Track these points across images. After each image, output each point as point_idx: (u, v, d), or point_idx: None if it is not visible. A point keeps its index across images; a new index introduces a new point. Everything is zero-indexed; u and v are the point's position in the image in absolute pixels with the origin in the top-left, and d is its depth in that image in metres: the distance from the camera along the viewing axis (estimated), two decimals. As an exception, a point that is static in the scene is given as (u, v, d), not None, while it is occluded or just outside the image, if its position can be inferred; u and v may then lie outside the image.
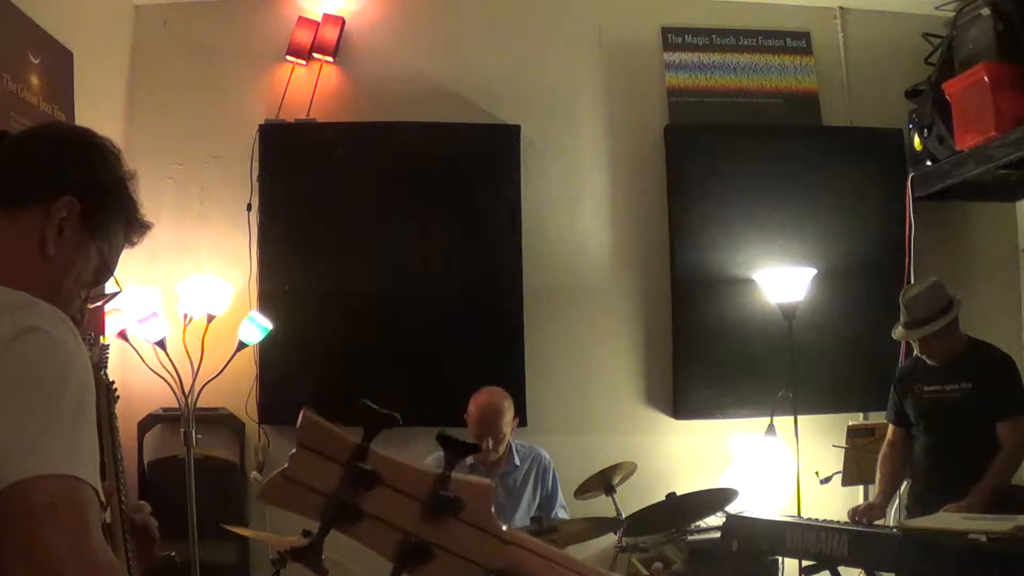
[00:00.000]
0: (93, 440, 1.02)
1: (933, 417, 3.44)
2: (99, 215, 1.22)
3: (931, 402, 3.44)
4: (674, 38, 4.54)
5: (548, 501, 3.56)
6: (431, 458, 3.08)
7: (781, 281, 4.09)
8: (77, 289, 1.22)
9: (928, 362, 3.43)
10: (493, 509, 0.78)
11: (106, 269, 1.26)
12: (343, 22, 4.32)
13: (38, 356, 1.00)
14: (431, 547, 0.74)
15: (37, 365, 0.99)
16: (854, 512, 3.38)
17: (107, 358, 2.39)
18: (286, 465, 0.73)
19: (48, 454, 0.95)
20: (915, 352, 3.51)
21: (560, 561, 0.80)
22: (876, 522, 3.33)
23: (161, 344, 3.81)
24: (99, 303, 1.35)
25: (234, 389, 4.01)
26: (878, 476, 3.61)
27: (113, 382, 1.97)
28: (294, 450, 0.73)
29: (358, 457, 0.73)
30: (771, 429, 4.02)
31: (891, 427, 3.65)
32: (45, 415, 0.97)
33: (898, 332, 3.50)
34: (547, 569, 0.79)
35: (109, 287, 1.32)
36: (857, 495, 4.20)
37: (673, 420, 4.33)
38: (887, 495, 3.55)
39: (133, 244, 1.32)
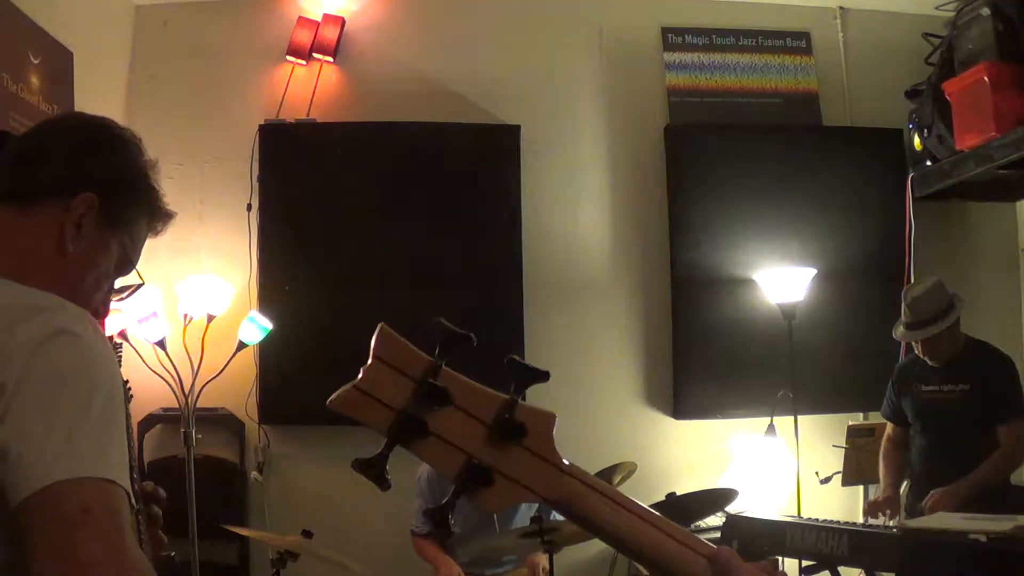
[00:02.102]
0: (123, 442, 1.02)
1: (930, 418, 3.44)
2: (120, 208, 1.20)
3: (929, 403, 3.44)
4: (674, 38, 4.54)
5: (549, 502, 3.56)
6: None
7: (781, 281, 4.09)
8: (98, 284, 1.20)
9: (928, 362, 3.43)
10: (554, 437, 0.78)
11: (127, 262, 1.25)
12: (343, 22, 4.32)
13: (68, 359, 0.99)
14: (492, 471, 0.75)
15: (67, 368, 0.99)
16: (874, 506, 3.37)
17: (120, 357, 2.39)
18: (360, 376, 0.73)
19: (79, 457, 0.94)
20: (916, 352, 3.50)
21: (618, 499, 0.80)
22: (874, 522, 3.32)
23: (161, 344, 3.81)
24: (123, 297, 1.34)
25: (234, 389, 4.01)
26: (882, 471, 3.59)
27: (127, 381, 1.95)
28: (368, 362, 0.74)
29: (431, 374, 0.74)
30: (771, 429, 4.02)
31: (889, 424, 3.65)
32: (75, 418, 0.96)
33: (900, 332, 3.48)
34: (603, 504, 0.79)
35: (131, 280, 1.31)
36: (857, 495, 4.20)
37: (673, 420, 4.33)
38: (897, 487, 3.54)
39: (157, 233, 1.29)
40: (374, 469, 0.73)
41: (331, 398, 0.73)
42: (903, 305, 3.43)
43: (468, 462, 0.74)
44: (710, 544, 0.81)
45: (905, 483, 3.69)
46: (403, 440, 0.73)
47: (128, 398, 1.99)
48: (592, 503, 0.78)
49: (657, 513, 0.81)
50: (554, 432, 0.78)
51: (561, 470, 0.78)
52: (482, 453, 0.75)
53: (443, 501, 0.75)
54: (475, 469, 0.74)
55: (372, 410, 0.73)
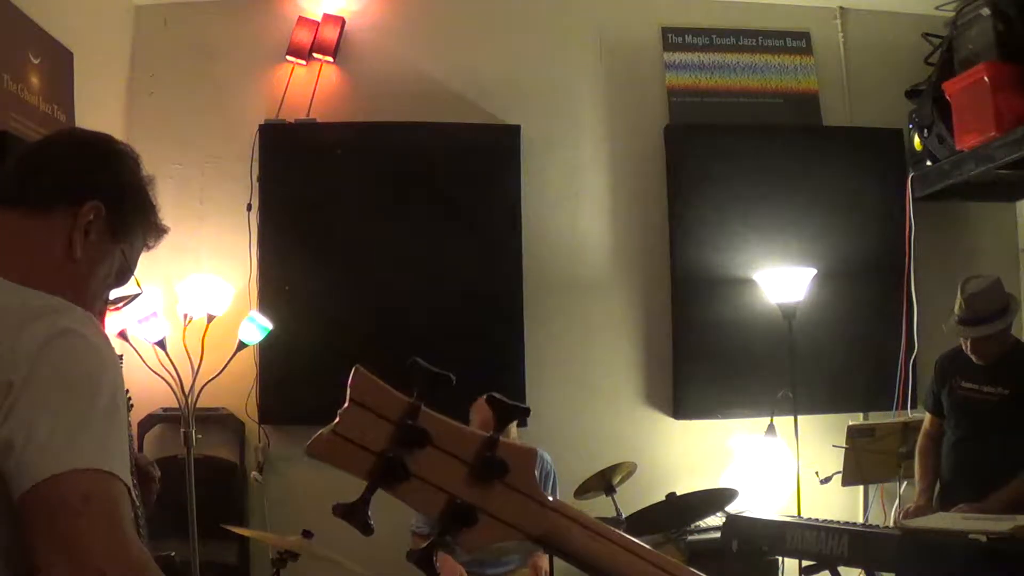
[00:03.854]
0: (124, 438, 1.06)
1: (964, 416, 3.39)
2: (123, 218, 1.25)
3: (965, 400, 3.38)
4: (674, 38, 4.54)
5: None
6: None
7: (781, 281, 4.09)
8: (101, 290, 1.26)
9: (973, 359, 3.34)
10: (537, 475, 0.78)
11: (128, 271, 1.30)
12: (343, 22, 4.32)
13: (73, 358, 1.03)
14: (475, 511, 0.74)
15: (72, 366, 1.03)
16: (906, 515, 3.31)
17: (120, 367, 2.40)
18: (336, 421, 0.72)
19: (82, 450, 0.98)
20: (963, 347, 3.38)
21: (601, 531, 0.79)
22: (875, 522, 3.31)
23: (161, 344, 3.81)
24: (120, 305, 1.40)
25: (234, 389, 4.01)
26: (918, 472, 3.54)
27: (127, 390, 1.97)
28: (345, 405, 0.73)
29: (410, 415, 0.73)
30: (771, 429, 4.02)
31: (929, 417, 3.58)
32: (80, 414, 1.00)
33: (952, 327, 3.35)
34: (588, 538, 0.79)
35: (129, 288, 1.37)
36: (857, 495, 4.20)
37: (673, 420, 4.32)
38: (929, 493, 3.46)
39: (150, 248, 1.35)
40: (358, 516, 0.72)
41: (308, 444, 0.72)
42: (959, 299, 3.30)
43: (451, 503, 0.74)
44: (700, 574, 0.81)
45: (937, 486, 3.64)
46: (384, 484, 0.72)
47: (128, 407, 2.01)
48: (576, 537, 0.78)
49: (644, 544, 0.81)
50: (536, 468, 0.78)
51: (544, 505, 0.77)
52: (464, 493, 0.74)
53: (424, 545, 0.75)
54: (458, 509, 0.74)
55: (351, 455, 0.72)
